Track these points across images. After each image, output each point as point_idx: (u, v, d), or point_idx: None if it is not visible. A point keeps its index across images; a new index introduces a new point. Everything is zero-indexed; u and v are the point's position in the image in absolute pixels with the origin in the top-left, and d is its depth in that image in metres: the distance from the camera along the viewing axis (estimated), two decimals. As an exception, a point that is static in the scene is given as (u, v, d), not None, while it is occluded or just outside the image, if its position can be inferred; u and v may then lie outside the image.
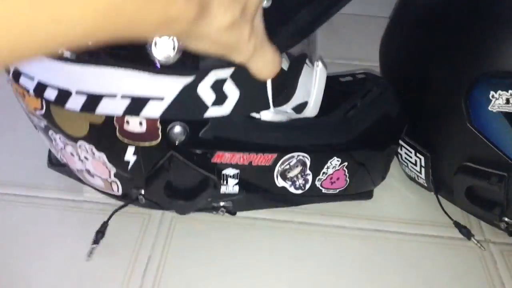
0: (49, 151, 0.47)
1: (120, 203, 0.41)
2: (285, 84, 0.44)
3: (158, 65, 0.31)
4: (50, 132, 0.39)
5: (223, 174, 0.38)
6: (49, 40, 0.19)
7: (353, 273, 0.41)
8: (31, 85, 0.35)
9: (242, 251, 0.41)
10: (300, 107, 0.44)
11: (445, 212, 0.46)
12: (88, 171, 0.40)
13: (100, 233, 0.40)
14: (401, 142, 0.48)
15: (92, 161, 0.38)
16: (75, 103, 0.33)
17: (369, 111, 0.43)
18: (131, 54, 0.31)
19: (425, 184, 0.49)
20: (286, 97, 0.44)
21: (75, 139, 0.37)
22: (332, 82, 0.46)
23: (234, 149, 0.37)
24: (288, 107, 0.47)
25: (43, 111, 0.36)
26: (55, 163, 0.46)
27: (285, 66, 0.38)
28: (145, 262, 0.39)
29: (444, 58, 0.42)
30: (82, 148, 0.37)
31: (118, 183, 0.39)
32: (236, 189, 0.39)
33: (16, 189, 0.47)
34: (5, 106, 0.51)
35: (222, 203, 0.40)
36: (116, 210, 0.40)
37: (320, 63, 0.44)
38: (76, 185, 0.45)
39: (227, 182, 0.39)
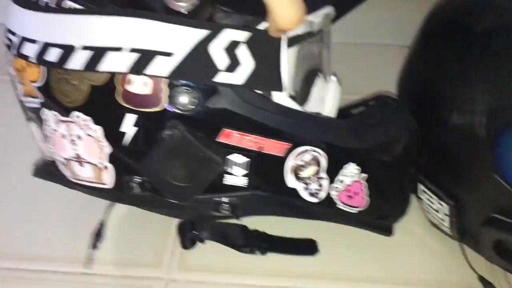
0: (36, 162, 0.44)
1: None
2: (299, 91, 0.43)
3: (174, 9, 0.29)
4: (44, 111, 0.36)
5: (228, 159, 0.34)
6: None
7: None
8: (33, 50, 0.33)
9: None
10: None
11: (470, 266, 0.41)
12: (78, 158, 0.36)
13: (98, 236, 0.34)
14: (422, 186, 0.44)
15: (85, 140, 0.34)
16: (78, 60, 0.31)
17: (386, 123, 0.40)
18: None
19: (449, 233, 0.44)
20: (299, 104, 0.42)
21: (69, 110, 0.34)
22: (342, 115, 0.44)
23: (244, 128, 0.33)
24: None
25: (40, 81, 0.34)
26: (40, 168, 0.42)
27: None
28: None
29: (470, 101, 0.40)
30: (77, 122, 0.34)
31: (111, 169, 0.35)
32: (243, 181, 0.34)
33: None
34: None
35: (225, 199, 0.35)
36: (110, 207, 0.35)
37: (334, 78, 0.43)
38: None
39: (232, 171, 0.34)
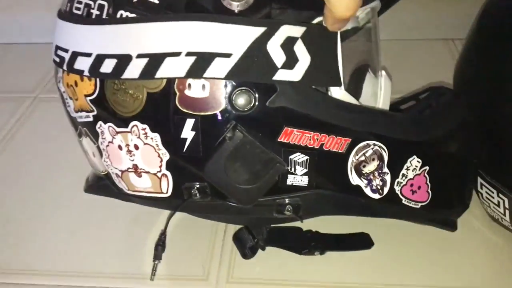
0: (87, 177, 0.44)
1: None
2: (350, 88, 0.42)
3: (231, 8, 0.29)
4: (99, 124, 0.35)
5: (290, 160, 0.33)
6: None
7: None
8: (87, 64, 0.33)
9: None
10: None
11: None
12: (135, 168, 0.35)
13: (160, 246, 0.34)
14: (481, 180, 0.42)
15: (143, 149, 0.34)
16: (134, 69, 0.31)
17: (445, 112, 0.39)
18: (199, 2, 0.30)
19: (511, 227, 0.42)
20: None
21: (127, 121, 0.33)
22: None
23: (304, 126, 0.32)
24: None
25: (95, 94, 0.34)
26: (91, 183, 0.41)
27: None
28: None
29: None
30: (134, 132, 0.34)
31: (169, 176, 0.34)
32: (305, 180, 0.34)
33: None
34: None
35: (287, 200, 0.34)
36: (171, 216, 0.35)
37: (383, 72, 0.42)
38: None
39: (295, 170, 0.33)
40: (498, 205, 0.42)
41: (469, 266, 0.42)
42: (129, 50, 0.31)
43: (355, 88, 0.42)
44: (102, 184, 0.40)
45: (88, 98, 0.35)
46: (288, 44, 0.31)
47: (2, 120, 0.64)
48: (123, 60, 0.32)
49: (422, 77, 0.63)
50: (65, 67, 0.35)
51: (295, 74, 0.31)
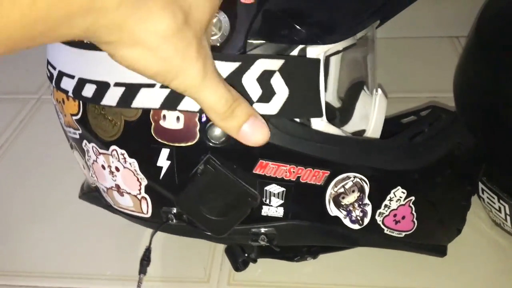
0: (82, 184, 0.45)
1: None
2: (341, 109, 0.41)
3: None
4: (84, 142, 0.36)
5: (266, 191, 0.33)
6: None
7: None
8: (71, 85, 0.33)
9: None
10: (358, 135, 0.40)
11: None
12: (118, 188, 0.36)
13: (145, 261, 0.35)
14: (482, 185, 0.41)
15: (123, 172, 0.35)
16: (112, 97, 0.31)
17: (438, 139, 0.38)
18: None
19: None
20: (342, 122, 0.40)
21: (107, 144, 0.34)
22: (391, 125, 0.41)
23: (280, 159, 0.32)
24: (346, 130, 0.43)
25: (79, 115, 0.34)
26: (86, 191, 0.43)
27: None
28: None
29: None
30: (114, 155, 0.34)
31: (148, 199, 0.35)
32: (280, 211, 0.33)
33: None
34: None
35: (262, 229, 0.34)
36: (153, 234, 0.36)
37: (379, 91, 0.40)
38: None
39: (270, 201, 0.33)
40: (500, 211, 0.42)
41: (474, 269, 0.41)
42: (108, 77, 0.31)
43: (347, 109, 0.41)
44: (93, 195, 0.41)
45: (73, 118, 0.35)
46: (264, 78, 0.30)
47: (6, 121, 0.65)
48: (102, 87, 0.32)
49: (426, 75, 0.61)
50: (53, 84, 0.36)
51: (272, 108, 0.31)
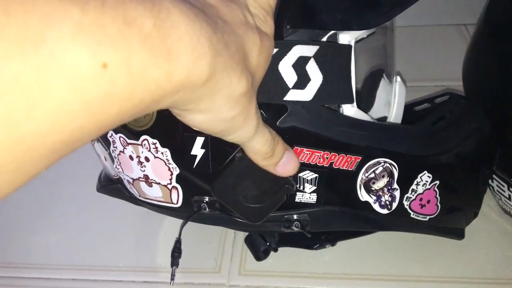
0: (99, 175, 0.44)
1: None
2: (364, 96, 0.41)
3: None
4: (110, 133, 0.36)
5: (299, 177, 0.33)
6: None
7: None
8: None
9: None
10: (380, 121, 0.40)
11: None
12: (146, 178, 0.36)
13: (176, 253, 0.35)
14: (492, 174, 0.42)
15: (153, 162, 0.34)
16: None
17: (459, 124, 0.38)
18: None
19: None
20: (365, 109, 0.41)
21: (138, 134, 0.34)
22: (404, 113, 0.42)
23: (314, 145, 0.32)
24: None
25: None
26: (104, 184, 0.42)
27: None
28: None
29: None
30: (145, 145, 0.34)
31: (179, 189, 0.35)
32: (313, 197, 0.34)
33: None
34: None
35: (295, 216, 0.34)
36: (183, 225, 0.36)
37: (398, 78, 0.41)
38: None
39: (303, 188, 0.33)
40: (509, 199, 0.42)
41: (483, 257, 0.42)
42: None
43: (368, 97, 0.41)
44: (114, 187, 0.41)
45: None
46: (300, 64, 0.30)
47: None
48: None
49: (435, 63, 0.62)
50: None
51: (307, 94, 0.31)
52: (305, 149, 0.32)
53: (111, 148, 0.37)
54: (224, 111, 0.23)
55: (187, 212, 0.36)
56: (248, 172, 0.31)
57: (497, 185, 0.43)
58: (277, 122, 0.31)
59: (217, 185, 0.31)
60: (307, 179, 0.33)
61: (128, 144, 0.35)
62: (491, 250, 0.43)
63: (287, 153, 0.30)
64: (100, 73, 0.16)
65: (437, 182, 0.37)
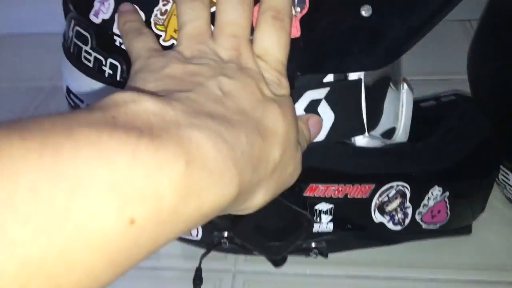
0: None
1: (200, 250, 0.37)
2: (370, 110, 0.41)
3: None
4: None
5: (315, 210, 0.34)
6: None
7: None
8: None
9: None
10: (388, 133, 0.40)
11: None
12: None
13: (198, 282, 0.37)
14: None
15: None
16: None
17: (468, 134, 0.39)
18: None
19: None
20: (373, 123, 0.40)
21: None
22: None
23: (328, 180, 0.33)
24: (376, 133, 0.43)
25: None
26: None
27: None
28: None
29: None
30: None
31: (199, 226, 0.36)
32: (330, 226, 0.35)
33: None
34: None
35: (313, 244, 0.36)
36: (204, 255, 0.37)
37: (405, 85, 0.40)
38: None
39: (320, 219, 0.34)
40: None
41: (488, 246, 0.43)
42: None
43: (376, 110, 0.41)
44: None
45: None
46: (312, 107, 0.30)
47: (20, 110, 0.64)
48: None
49: (438, 59, 0.60)
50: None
51: (320, 135, 0.31)
52: (320, 185, 0.33)
53: None
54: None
55: (208, 243, 0.37)
56: (266, 215, 0.32)
57: (501, 174, 0.44)
58: (292, 164, 0.31)
59: (237, 229, 0.32)
60: (323, 210, 0.34)
61: None
62: (495, 240, 0.44)
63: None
64: (127, 230, 0.16)
65: (447, 193, 0.38)
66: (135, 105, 0.18)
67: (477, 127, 0.39)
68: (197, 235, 0.37)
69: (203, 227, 0.36)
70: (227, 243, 0.35)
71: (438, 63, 0.59)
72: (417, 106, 0.46)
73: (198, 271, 0.37)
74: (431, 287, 0.40)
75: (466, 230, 0.43)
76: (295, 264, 0.42)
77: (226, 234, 0.35)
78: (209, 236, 0.36)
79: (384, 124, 0.41)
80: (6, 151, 0.14)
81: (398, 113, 0.40)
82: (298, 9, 0.27)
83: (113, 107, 0.17)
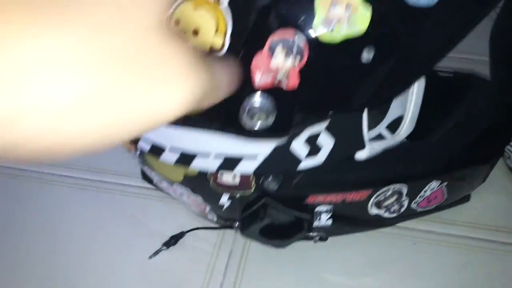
0: None
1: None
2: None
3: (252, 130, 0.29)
4: (145, 167, 0.40)
5: (315, 212, 0.37)
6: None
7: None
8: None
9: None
10: (395, 124, 0.41)
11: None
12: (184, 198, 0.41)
13: (174, 240, 0.43)
14: None
15: (188, 198, 0.39)
16: (168, 157, 0.34)
17: (473, 126, 0.39)
18: (224, 118, 0.30)
19: None
20: (381, 112, 0.41)
21: (170, 182, 0.38)
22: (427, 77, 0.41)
23: (327, 190, 0.36)
24: (382, 125, 0.44)
25: (137, 153, 0.37)
26: (149, 178, 0.48)
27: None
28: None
29: None
30: (178, 188, 0.38)
31: (214, 214, 0.41)
32: (329, 222, 0.39)
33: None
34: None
35: (315, 234, 0.40)
36: (201, 228, 0.42)
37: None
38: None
39: (320, 218, 0.38)
40: None
41: (489, 214, 0.45)
42: (163, 142, 0.33)
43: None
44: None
45: (132, 151, 0.38)
46: (312, 139, 0.31)
47: None
48: (157, 148, 0.34)
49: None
50: None
51: (319, 159, 0.33)
52: (319, 195, 0.36)
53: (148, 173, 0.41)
54: None
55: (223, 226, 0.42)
56: (271, 222, 0.36)
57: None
58: (293, 183, 0.34)
59: (245, 233, 0.37)
60: (323, 211, 0.38)
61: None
62: (496, 209, 0.46)
63: None
64: None
65: (446, 183, 0.40)
66: None
67: (484, 116, 0.39)
68: (213, 219, 0.42)
69: (218, 216, 0.40)
70: (239, 230, 0.40)
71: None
72: (436, 74, 0.45)
73: (183, 233, 0.43)
74: (429, 237, 0.44)
75: (464, 199, 0.46)
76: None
77: (236, 224, 0.40)
78: (224, 223, 0.41)
79: (391, 114, 0.42)
80: None
81: (407, 101, 0.40)
82: (298, 58, 0.27)
83: None
